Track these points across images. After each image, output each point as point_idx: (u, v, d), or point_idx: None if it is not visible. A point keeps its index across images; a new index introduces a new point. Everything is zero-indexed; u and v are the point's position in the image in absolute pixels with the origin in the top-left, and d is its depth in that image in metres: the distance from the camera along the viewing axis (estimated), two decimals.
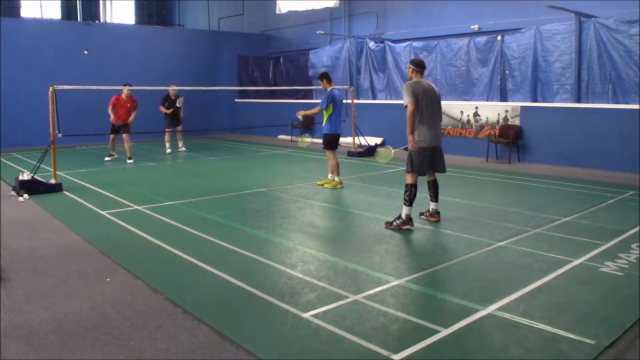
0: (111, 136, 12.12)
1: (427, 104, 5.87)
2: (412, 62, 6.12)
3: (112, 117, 11.78)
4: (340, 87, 15.80)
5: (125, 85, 11.81)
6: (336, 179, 8.56)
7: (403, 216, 5.92)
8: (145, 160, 12.32)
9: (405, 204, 5.91)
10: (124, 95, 11.77)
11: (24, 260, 4.98)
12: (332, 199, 7.84)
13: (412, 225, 5.94)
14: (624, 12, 10.67)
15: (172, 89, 13.15)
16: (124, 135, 11.84)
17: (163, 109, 13.22)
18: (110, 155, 12.19)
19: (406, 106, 5.85)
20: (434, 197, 6.33)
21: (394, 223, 5.97)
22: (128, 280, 4.42)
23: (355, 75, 16.36)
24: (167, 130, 13.49)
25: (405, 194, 5.93)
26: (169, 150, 13.53)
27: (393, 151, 7.60)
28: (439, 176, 6.36)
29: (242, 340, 3.31)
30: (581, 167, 10.64)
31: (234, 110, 19.95)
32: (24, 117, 14.76)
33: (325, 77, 8.57)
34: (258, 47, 20.43)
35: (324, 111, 8.41)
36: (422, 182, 6.29)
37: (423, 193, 6.48)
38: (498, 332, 3.42)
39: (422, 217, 6.41)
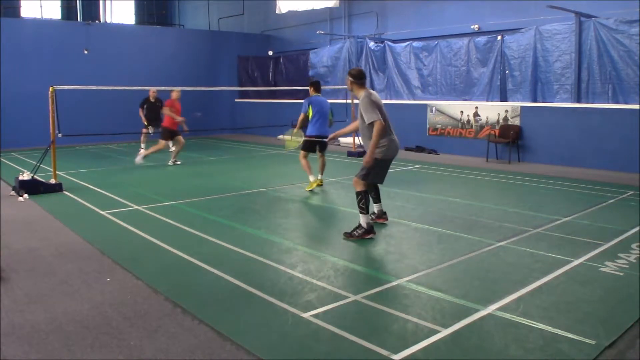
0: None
1: (384, 115, 5.56)
2: (351, 74, 5.71)
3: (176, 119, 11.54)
4: (340, 87, 15.86)
5: (173, 90, 11.62)
6: (311, 178, 8.30)
7: (364, 225, 5.57)
8: (145, 160, 12.31)
9: (362, 213, 5.56)
10: (175, 97, 11.53)
11: (24, 260, 4.97)
12: (332, 199, 7.85)
13: (375, 233, 5.66)
14: (624, 12, 10.67)
15: (152, 91, 12.88)
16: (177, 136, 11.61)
17: (141, 113, 13.01)
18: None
19: (370, 123, 5.41)
20: (377, 198, 6.13)
21: (354, 233, 5.59)
22: (128, 280, 4.42)
23: None
24: (143, 131, 12.95)
25: (360, 202, 5.56)
26: (142, 151, 12.47)
27: (300, 140, 7.71)
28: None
29: (242, 340, 3.31)
30: (581, 167, 10.64)
31: (234, 110, 19.95)
32: (24, 117, 14.75)
33: (313, 84, 8.54)
34: (258, 47, 20.43)
35: (302, 114, 8.35)
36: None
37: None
38: (498, 332, 3.42)
39: (372, 221, 6.00)
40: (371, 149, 5.44)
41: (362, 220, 5.59)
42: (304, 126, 8.47)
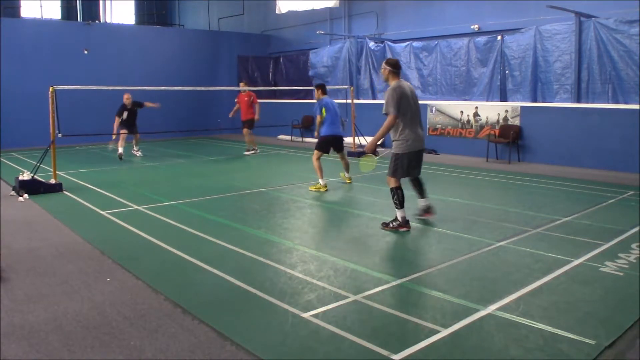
0: (244, 131, 13.28)
1: (409, 107, 5.73)
2: (389, 63, 5.87)
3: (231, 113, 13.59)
4: (340, 87, 15.86)
5: (240, 83, 13.64)
6: (320, 181, 8.29)
7: (399, 218, 5.87)
8: (145, 160, 12.32)
9: (397, 208, 5.85)
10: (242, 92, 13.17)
11: (24, 260, 4.98)
12: (332, 199, 7.84)
13: (409, 227, 5.87)
14: (624, 12, 10.67)
15: (127, 96, 12.24)
16: (244, 129, 13.22)
17: (116, 122, 12.15)
18: (253, 150, 13.42)
19: (385, 114, 5.65)
20: (422, 194, 6.24)
21: (391, 225, 5.93)
22: (128, 280, 4.42)
23: (355, 75, 16.36)
24: (122, 132, 12.32)
25: (393, 198, 5.85)
26: (120, 151, 12.28)
27: (376, 159, 7.55)
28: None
29: (242, 340, 3.31)
30: (581, 167, 10.64)
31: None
32: (24, 117, 14.75)
33: (320, 87, 8.73)
34: (258, 47, 20.43)
35: (319, 117, 8.48)
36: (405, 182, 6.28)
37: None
38: (498, 332, 3.42)
39: (418, 217, 6.29)
40: (374, 138, 5.77)
41: (398, 214, 5.87)
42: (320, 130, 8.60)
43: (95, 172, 10.54)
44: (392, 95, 5.65)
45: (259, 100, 13.47)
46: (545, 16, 11.90)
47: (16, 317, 3.69)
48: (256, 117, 13.12)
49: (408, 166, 5.82)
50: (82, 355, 3.17)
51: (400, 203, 5.82)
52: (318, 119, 8.51)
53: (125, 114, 12.29)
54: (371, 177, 9.65)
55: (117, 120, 12.20)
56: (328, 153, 8.61)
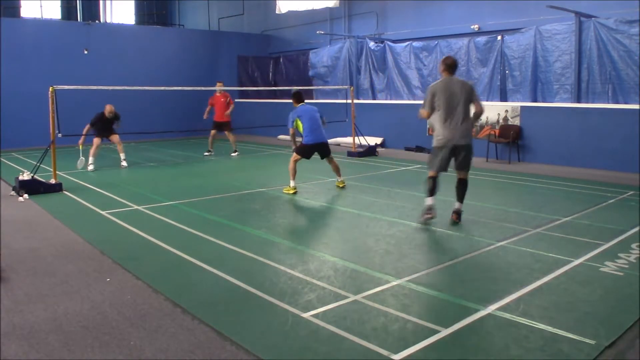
0: (212, 132, 13.27)
1: (446, 103, 5.96)
2: (444, 61, 6.13)
3: (205, 115, 13.36)
4: (340, 87, 15.87)
5: (218, 82, 13.56)
6: (291, 183, 8.13)
7: (424, 205, 6.08)
8: (144, 160, 12.32)
9: (426, 195, 6.10)
10: (217, 92, 13.07)
11: (24, 260, 4.98)
12: (332, 199, 7.85)
13: (431, 215, 6.02)
14: (624, 12, 10.67)
15: (108, 110, 10.89)
16: (226, 132, 13.19)
17: (87, 128, 10.82)
18: (209, 151, 13.29)
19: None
20: (458, 197, 6.28)
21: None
22: (128, 280, 4.42)
23: (355, 75, 16.36)
24: (95, 141, 11.03)
25: (426, 185, 6.14)
26: (91, 167, 10.73)
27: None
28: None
29: (242, 340, 3.31)
30: (581, 167, 10.63)
31: (234, 110, 19.91)
32: (24, 117, 14.75)
33: (294, 97, 8.36)
34: (258, 47, 20.43)
35: (298, 128, 8.16)
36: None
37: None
38: (498, 332, 3.42)
39: (452, 219, 6.29)
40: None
41: (425, 201, 6.10)
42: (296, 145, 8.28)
43: (95, 172, 10.53)
44: (427, 92, 6.12)
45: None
46: (546, 16, 11.90)
47: (16, 317, 3.70)
48: (225, 114, 13.04)
49: (441, 159, 6.08)
50: (82, 355, 3.17)
51: (428, 191, 6.06)
52: (290, 131, 8.23)
53: (100, 123, 10.92)
54: (371, 177, 9.66)
55: (87, 128, 10.82)
56: (308, 159, 8.27)
